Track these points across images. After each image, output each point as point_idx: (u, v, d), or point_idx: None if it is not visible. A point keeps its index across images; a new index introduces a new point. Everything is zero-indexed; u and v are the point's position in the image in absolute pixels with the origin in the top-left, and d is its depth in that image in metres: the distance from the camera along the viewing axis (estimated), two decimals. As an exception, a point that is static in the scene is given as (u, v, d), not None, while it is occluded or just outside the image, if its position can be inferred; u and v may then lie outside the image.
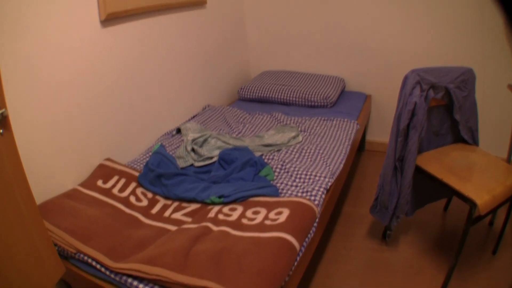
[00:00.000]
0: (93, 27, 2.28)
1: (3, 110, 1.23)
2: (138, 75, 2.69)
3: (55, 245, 1.79)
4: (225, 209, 2.03)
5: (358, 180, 3.53)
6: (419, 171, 2.37)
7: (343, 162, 2.54)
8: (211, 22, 3.52)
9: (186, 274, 1.55)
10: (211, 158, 2.55)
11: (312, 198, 2.10)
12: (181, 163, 2.51)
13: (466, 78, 2.42)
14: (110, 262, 1.69)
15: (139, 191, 2.26)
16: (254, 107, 3.57)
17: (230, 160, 2.43)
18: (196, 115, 3.35)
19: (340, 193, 3.02)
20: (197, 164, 2.51)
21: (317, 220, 2.01)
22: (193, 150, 2.63)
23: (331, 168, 2.41)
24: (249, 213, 1.97)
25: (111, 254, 1.74)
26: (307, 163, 2.46)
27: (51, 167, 2.12)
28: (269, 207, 1.99)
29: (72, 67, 2.17)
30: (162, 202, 2.19)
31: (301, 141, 2.76)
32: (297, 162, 2.47)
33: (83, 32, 2.22)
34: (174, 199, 2.20)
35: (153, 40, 2.79)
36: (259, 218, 1.92)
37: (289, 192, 2.18)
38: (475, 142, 2.57)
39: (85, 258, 1.75)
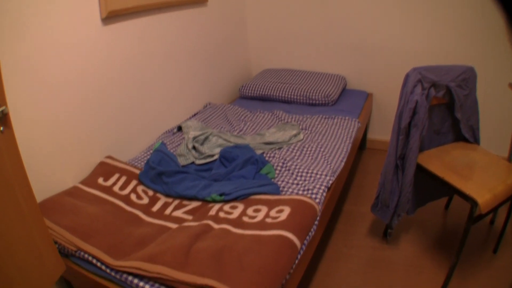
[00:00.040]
0: (94, 25, 2.28)
1: (3, 107, 1.23)
2: (139, 73, 2.68)
3: (56, 243, 1.79)
4: (226, 207, 2.03)
5: (359, 179, 3.53)
6: (420, 169, 2.37)
7: (344, 160, 2.53)
8: (212, 20, 3.52)
9: (186, 272, 1.55)
10: (212, 156, 2.54)
11: (313, 196, 2.10)
12: (182, 161, 2.50)
13: (467, 77, 2.41)
14: (111, 260, 1.69)
15: (140, 189, 2.26)
16: (255, 105, 3.57)
17: (231, 158, 2.43)
18: (197, 113, 3.35)
19: (341, 191, 3.02)
20: (198, 162, 2.51)
21: (318, 218, 2.01)
22: (194, 148, 2.63)
23: (332, 166, 2.41)
24: (250, 211, 1.97)
25: (111, 252, 1.74)
26: (308, 161, 2.45)
27: (52, 165, 2.12)
28: (270, 205, 1.99)
29: (73, 65, 2.17)
30: (163, 200, 2.19)
31: (302, 139, 2.76)
32: (298, 160, 2.47)
33: (84, 30, 2.21)
34: (175, 197, 2.19)
35: (154, 38, 2.79)
36: (260, 216, 1.92)
37: (290, 190, 2.18)
38: (476, 140, 2.57)
39: (86, 256, 1.75)
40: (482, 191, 2.07)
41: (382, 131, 3.93)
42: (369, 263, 2.54)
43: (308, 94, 3.48)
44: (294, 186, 2.22)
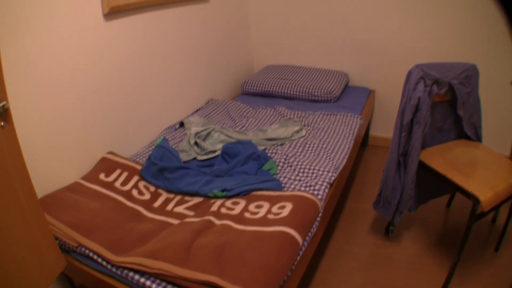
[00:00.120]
0: (96, 20, 2.28)
1: (4, 102, 1.22)
2: (141, 69, 2.68)
3: (57, 238, 1.79)
4: (228, 203, 2.03)
5: (361, 175, 3.52)
6: (422, 166, 2.36)
7: (347, 156, 2.53)
8: (214, 16, 3.51)
9: (188, 268, 1.54)
10: (214, 151, 2.54)
11: (315, 192, 2.09)
12: (184, 157, 2.50)
13: (470, 74, 2.41)
14: (112, 256, 1.69)
15: (141, 184, 2.26)
16: (258, 101, 3.56)
17: (233, 154, 2.43)
18: (199, 109, 3.34)
19: (343, 188, 3.02)
20: (200, 157, 2.51)
21: (320, 214, 2.01)
22: (196, 143, 2.62)
23: (335, 162, 2.40)
24: (252, 207, 1.97)
25: (112, 247, 1.74)
26: (310, 158, 2.45)
27: (53, 161, 2.12)
28: (272, 201, 1.99)
29: (75, 61, 2.16)
30: (164, 195, 2.19)
31: (305, 135, 2.75)
32: (301, 156, 2.46)
33: (86, 25, 2.21)
34: (177, 192, 2.19)
35: (156, 34, 2.78)
36: (262, 212, 1.91)
37: (292, 186, 2.18)
38: (478, 138, 2.56)
39: (87, 251, 1.75)
40: (484, 189, 2.06)
41: (384, 128, 3.92)
42: (370, 260, 2.54)
43: (310, 90, 3.47)
44: (296, 182, 2.21)
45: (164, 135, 2.82)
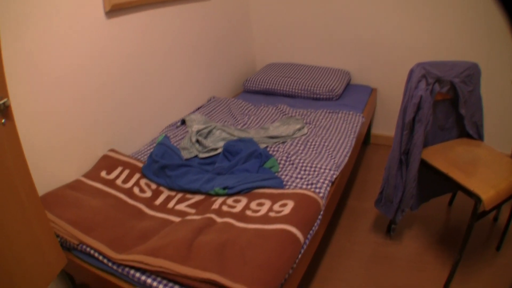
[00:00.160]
0: (98, 18, 2.27)
1: (5, 100, 1.22)
2: (143, 67, 2.68)
3: (58, 236, 1.79)
4: (229, 201, 2.02)
5: (363, 174, 3.52)
6: (424, 165, 2.36)
7: (348, 154, 2.52)
8: (216, 14, 3.50)
9: (189, 266, 1.54)
10: (216, 149, 2.54)
11: (317, 190, 2.09)
12: (185, 154, 2.50)
13: (471, 73, 2.40)
14: (113, 254, 1.69)
15: (143, 182, 2.26)
16: (259, 99, 3.56)
17: (234, 152, 2.42)
18: (201, 107, 3.34)
19: (345, 186, 3.02)
20: (201, 155, 2.50)
21: (321, 212, 2.00)
22: (197, 141, 2.62)
23: (336, 160, 2.40)
24: (253, 205, 1.97)
25: (114, 245, 1.74)
26: (312, 155, 2.45)
27: (55, 158, 2.12)
28: (274, 199, 1.99)
29: (76, 58, 2.16)
30: (166, 193, 2.19)
31: (306, 133, 2.75)
32: (302, 154, 2.46)
33: (88, 23, 2.21)
34: (178, 190, 2.19)
35: (157, 32, 2.78)
36: (264, 210, 1.91)
37: (294, 184, 2.17)
38: (480, 137, 2.56)
39: (88, 249, 1.75)
40: (486, 187, 2.06)
41: (386, 127, 3.92)
42: (372, 259, 2.53)
43: (312, 88, 3.46)
44: (298, 180, 2.21)
45: (165, 133, 2.82)
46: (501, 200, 2.12)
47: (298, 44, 4.04)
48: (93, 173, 2.26)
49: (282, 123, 2.88)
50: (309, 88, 3.47)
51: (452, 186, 2.25)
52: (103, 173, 2.26)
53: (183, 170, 2.25)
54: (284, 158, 2.42)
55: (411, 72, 2.23)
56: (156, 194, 2.18)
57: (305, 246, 1.82)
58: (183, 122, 3.00)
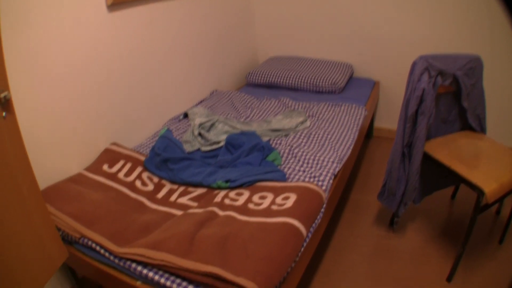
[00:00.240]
0: (100, 12, 2.26)
1: (6, 93, 1.21)
2: (145, 60, 2.67)
3: (59, 229, 1.79)
4: (232, 194, 2.02)
5: (366, 167, 3.51)
6: (427, 157, 2.35)
7: (351, 147, 2.52)
8: (218, 7, 3.49)
9: (190, 259, 1.54)
10: (218, 142, 2.53)
11: (320, 183, 2.09)
12: (187, 148, 2.50)
13: (474, 66, 2.39)
14: (114, 247, 1.69)
15: (145, 175, 2.25)
16: (262, 92, 3.55)
17: (237, 145, 2.42)
18: (203, 100, 3.34)
19: (348, 180, 3.01)
20: (204, 148, 2.50)
21: (324, 205, 2.00)
22: (200, 134, 2.62)
23: (339, 153, 2.39)
24: (255, 198, 1.96)
25: (115, 238, 1.74)
26: (315, 148, 2.44)
27: (56, 151, 2.12)
28: (276, 192, 1.98)
29: (78, 52, 2.15)
30: (168, 186, 2.19)
31: (309, 126, 2.74)
32: (305, 147, 2.45)
33: (90, 17, 2.20)
34: (180, 183, 2.19)
35: (160, 25, 2.77)
36: (266, 203, 1.91)
37: (297, 177, 2.17)
38: (482, 130, 2.55)
39: (89, 243, 1.75)
40: (489, 180, 2.06)
41: (389, 120, 3.91)
42: (375, 252, 2.53)
43: (315, 81, 3.45)
44: (301, 173, 2.20)
45: (168, 126, 2.81)
46: (504, 193, 2.11)
47: (300, 37, 4.02)
48: (95, 167, 2.26)
49: (284, 116, 2.88)
50: (311, 81, 3.46)
51: (454, 179, 2.25)
52: (105, 167, 2.26)
53: (185, 163, 2.24)
54: (286, 151, 2.42)
55: (414, 65, 2.22)
56: (158, 187, 2.18)
57: (307, 240, 1.82)
58: (185, 115, 3.00)
